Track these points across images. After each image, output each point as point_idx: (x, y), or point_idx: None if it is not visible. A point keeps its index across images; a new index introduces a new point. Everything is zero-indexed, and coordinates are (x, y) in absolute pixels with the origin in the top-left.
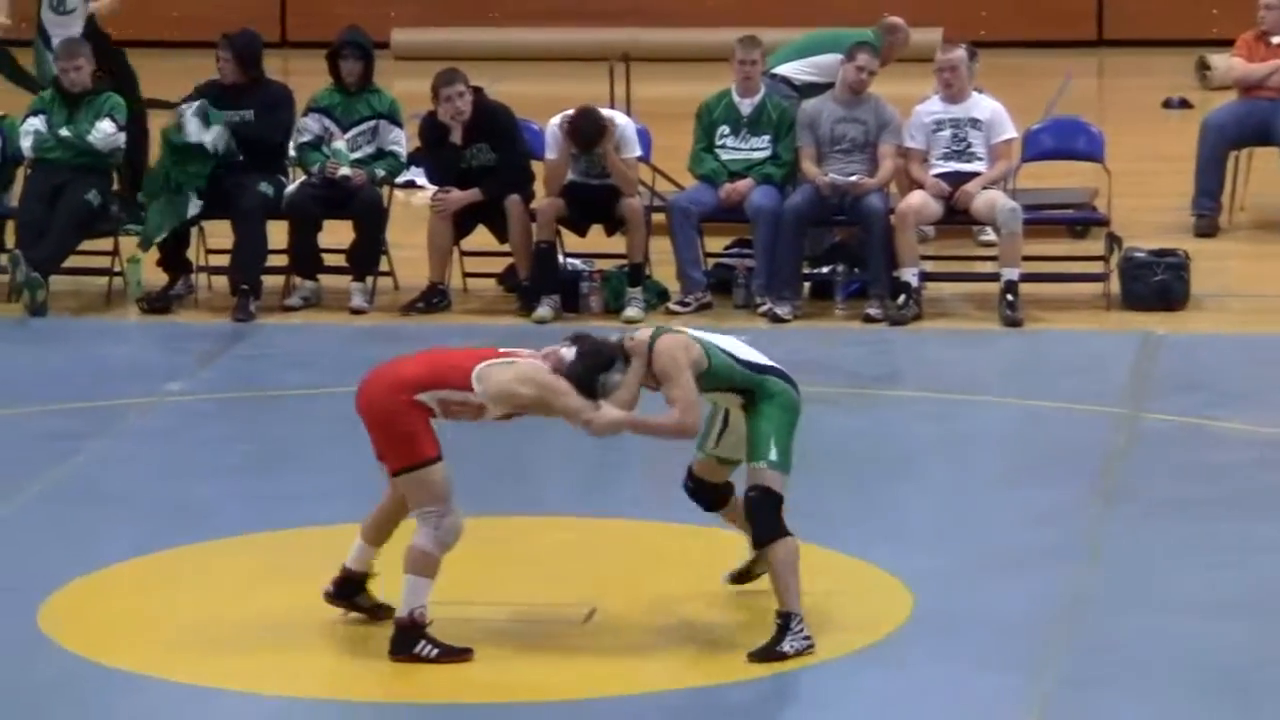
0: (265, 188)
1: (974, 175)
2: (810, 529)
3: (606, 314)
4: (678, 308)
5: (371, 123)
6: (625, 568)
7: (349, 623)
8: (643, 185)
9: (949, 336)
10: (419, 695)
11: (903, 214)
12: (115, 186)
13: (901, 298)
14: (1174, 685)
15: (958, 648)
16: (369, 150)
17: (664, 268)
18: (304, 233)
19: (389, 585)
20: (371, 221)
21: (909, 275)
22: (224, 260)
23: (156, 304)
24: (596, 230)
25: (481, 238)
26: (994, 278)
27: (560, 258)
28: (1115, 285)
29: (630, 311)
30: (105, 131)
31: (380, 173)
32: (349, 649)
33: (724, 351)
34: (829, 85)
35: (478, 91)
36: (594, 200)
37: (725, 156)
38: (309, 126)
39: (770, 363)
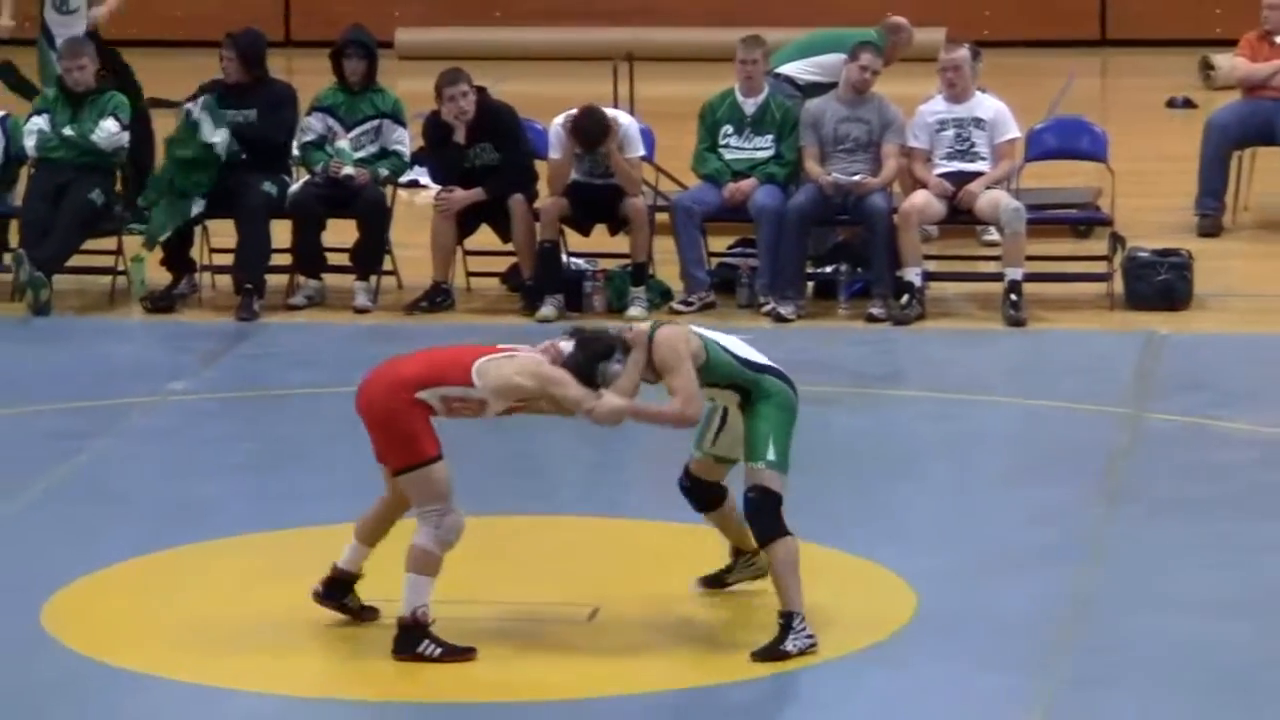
0: (269, 187)
1: (977, 175)
2: (813, 528)
3: (610, 313)
4: (681, 307)
5: (375, 122)
6: (627, 567)
7: (350, 622)
8: (646, 185)
9: (952, 336)
10: (421, 694)
11: (906, 214)
12: (118, 186)
13: (905, 297)
14: (1177, 685)
15: (961, 647)
16: (372, 149)
17: (667, 267)
18: (308, 232)
19: (389, 585)
20: (375, 221)
21: (912, 275)
22: (228, 259)
23: (160, 303)
24: (600, 230)
25: (485, 237)
26: (997, 277)
27: (564, 257)
28: (1119, 285)
29: (633, 311)
30: (109, 130)
31: (384, 172)
32: (352, 648)
33: (722, 348)
34: (832, 85)
35: (481, 91)
36: (597, 200)
37: (729, 156)
38: (313, 126)
39: (768, 362)
